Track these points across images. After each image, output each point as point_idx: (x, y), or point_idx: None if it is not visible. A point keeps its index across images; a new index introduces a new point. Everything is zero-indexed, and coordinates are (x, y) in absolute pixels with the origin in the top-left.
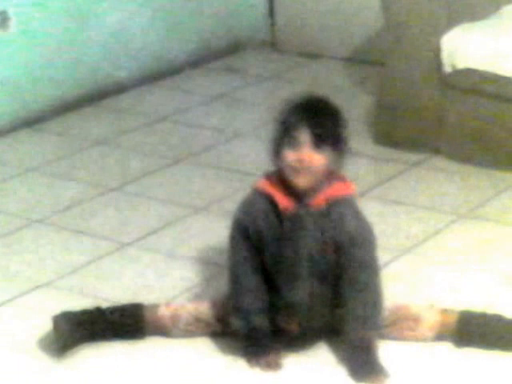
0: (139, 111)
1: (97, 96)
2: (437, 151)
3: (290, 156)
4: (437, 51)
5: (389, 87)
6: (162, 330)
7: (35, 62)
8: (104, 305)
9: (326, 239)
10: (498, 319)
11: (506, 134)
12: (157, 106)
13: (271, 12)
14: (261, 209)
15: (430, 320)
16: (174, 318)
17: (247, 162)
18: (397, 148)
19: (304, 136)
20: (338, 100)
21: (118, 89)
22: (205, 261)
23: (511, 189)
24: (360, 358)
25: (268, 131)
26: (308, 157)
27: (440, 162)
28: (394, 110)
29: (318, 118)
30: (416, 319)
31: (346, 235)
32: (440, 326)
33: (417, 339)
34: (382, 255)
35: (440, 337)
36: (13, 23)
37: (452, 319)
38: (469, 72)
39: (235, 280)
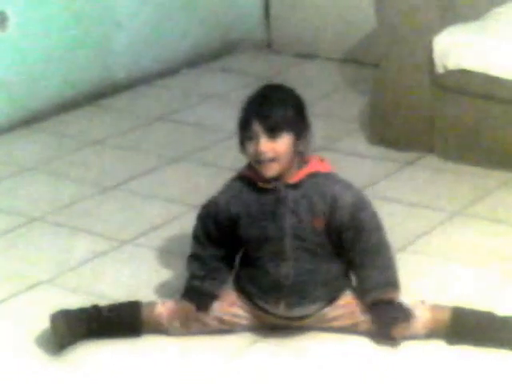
0: (136, 111)
1: (94, 96)
2: (430, 150)
3: (249, 149)
4: (429, 52)
5: (382, 88)
6: (158, 327)
7: (33, 62)
8: (102, 303)
9: (316, 213)
10: (490, 316)
11: (496, 134)
12: (154, 105)
13: (267, 13)
14: (236, 189)
15: (422, 317)
16: (171, 316)
17: (243, 161)
18: (390, 147)
19: (257, 128)
20: (332, 100)
21: (115, 89)
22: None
23: (502, 187)
24: (383, 312)
25: None
26: (265, 147)
27: (433, 161)
28: (388, 110)
29: (267, 108)
30: None
31: (345, 205)
32: (432, 323)
33: (409, 336)
34: None
35: (432, 334)
36: (11, 23)
37: (444, 316)
38: (460, 73)
39: (191, 248)
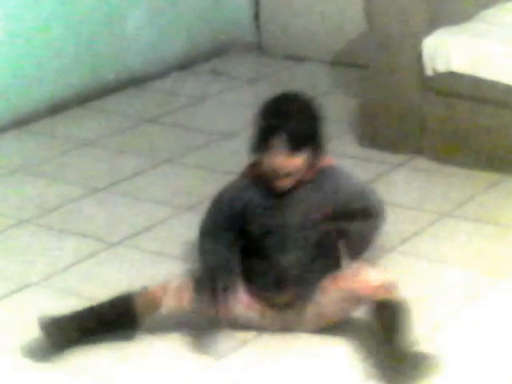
0: (126, 113)
1: (84, 98)
2: (419, 152)
3: (266, 162)
4: (418, 54)
5: (372, 90)
6: (153, 304)
7: (23, 64)
8: (91, 304)
9: (325, 204)
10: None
11: (485, 136)
12: (143, 107)
13: (257, 15)
14: (249, 183)
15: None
16: (164, 287)
17: (233, 163)
18: (380, 149)
19: (279, 142)
20: (322, 102)
21: (106, 90)
22: (192, 261)
23: (491, 188)
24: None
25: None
26: (283, 163)
27: (422, 162)
28: (378, 112)
29: (291, 124)
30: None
31: (352, 193)
32: (368, 291)
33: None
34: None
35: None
36: (1, 25)
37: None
38: (450, 75)
39: (200, 241)
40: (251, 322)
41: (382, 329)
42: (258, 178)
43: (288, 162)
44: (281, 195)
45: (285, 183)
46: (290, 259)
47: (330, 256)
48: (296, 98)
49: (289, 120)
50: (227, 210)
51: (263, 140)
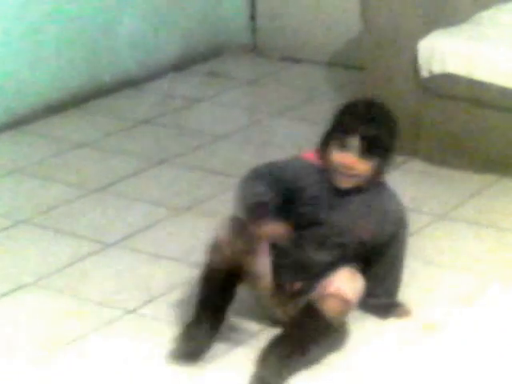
0: (122, 114)
1: (80, 99)
2: (414, 154)
3: (336, 158)
4: (414, 56)
5: (368, 91)
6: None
7: (19, 66)
8: (86, 305)
9: (366, 223)
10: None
11: (480, 138)
12: (139, 108)
13: (253, 17)
14: (315, 169)
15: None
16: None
17: (229, 164)
18: None
19: (354, 141)
20: (318, 104)
21: (102, 92)
22: (188, 262)
23: (486, 190)
24: (381, 309)
25: (250, 134)
26: (355, 163)
27: (417, 164)
28: None
29: (371, 126)
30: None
31: (393, 220)
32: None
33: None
34: None
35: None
36: None
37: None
38: (445, 77)
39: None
40: (262, 290)
41: (286, 326)
42: (324, 169)
43: (358, 165)
44: (338, 194)
45: (347, 183)
46: (320, 256)
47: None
48: (380, 106)
49: (370, 124)
50: (286, 178)
51: (339, 136)
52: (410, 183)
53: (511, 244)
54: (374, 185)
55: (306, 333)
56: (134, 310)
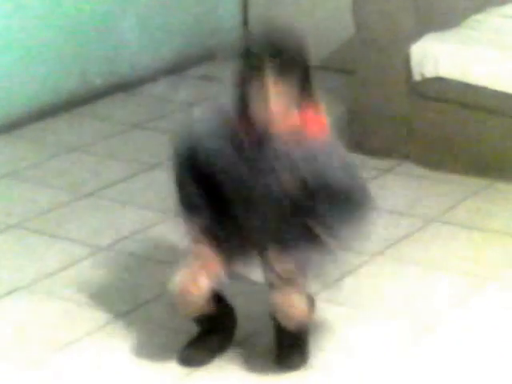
0: (115, 118)
1: (72, 103)
2: (407, 158)
3: (254, 91)
4: (406, 60)
5: (360, 95)
6: None
7: (10, 70)
8: (79, 310)
9: (297, 172)
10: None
11: (473, 142)
12: (131, 113)
13: (246, 21)
14: (215, 129)
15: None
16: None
17: None
18: (368, 155)
19: (265, 66)
20: None
21: (95, 96)
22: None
23: (478, 194)
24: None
25: None
26: (271, 88)
27: (410, 168)
28: (365, 118)
29: (278, 47)
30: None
31: (333, 168)
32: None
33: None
34: (354, 258)
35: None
36: None
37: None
38: (438, 80)
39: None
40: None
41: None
42: (233, 122)
43: (276, 88)
44: (253, 147)
45: (269, 118)
46: (255, 222)
47: (306, 227)
48: (283, 30)
49: (276, 44)
50: (199, 152)
51: (250, 71)
52: (402, 186)
53: (503, 247)
54: (303, 146)
55: (291, 333)
56: (126, 314)
